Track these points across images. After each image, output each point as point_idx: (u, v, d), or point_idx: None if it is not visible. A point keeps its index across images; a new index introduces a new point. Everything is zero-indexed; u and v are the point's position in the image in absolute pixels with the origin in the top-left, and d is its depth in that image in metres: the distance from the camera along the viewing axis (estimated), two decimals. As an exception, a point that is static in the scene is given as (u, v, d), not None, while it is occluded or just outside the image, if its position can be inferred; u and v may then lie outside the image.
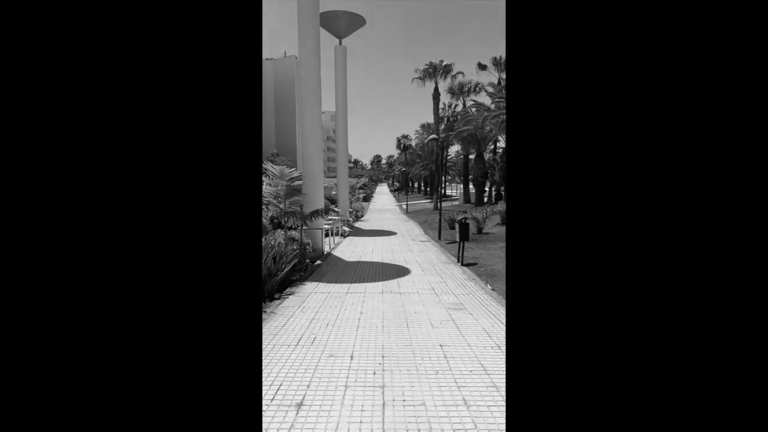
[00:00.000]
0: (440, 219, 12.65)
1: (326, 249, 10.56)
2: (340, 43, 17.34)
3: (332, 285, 6.35)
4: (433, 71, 23.24)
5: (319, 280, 6.76)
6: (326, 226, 10.85)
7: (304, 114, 9.71)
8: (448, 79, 24.49)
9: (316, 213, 8.45)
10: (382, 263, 8.43)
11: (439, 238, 12.47)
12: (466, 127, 20.37)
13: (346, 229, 14.51)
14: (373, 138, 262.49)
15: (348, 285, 6.33)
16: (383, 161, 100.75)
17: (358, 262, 8.55)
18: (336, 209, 17.74)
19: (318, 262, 8.61)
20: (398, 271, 7.46)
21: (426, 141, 11.59)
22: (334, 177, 20.18)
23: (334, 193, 20.12)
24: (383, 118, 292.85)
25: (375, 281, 6.61)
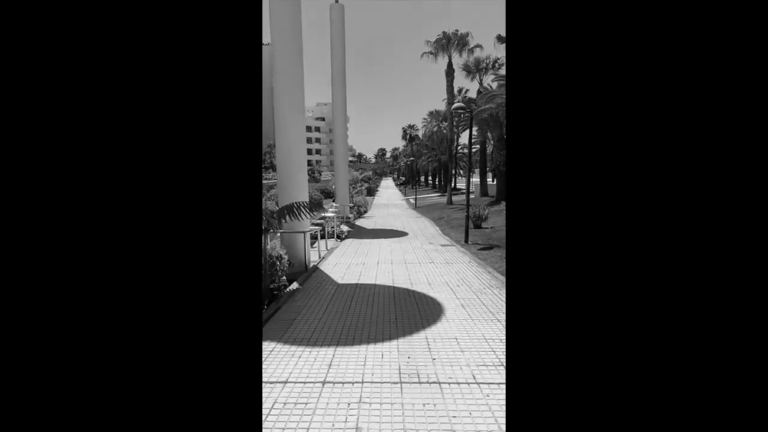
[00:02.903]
0: (467, 217, 9.54)
1: (314, 258, 7.53)
2: (337, 1, 14.17)
3: (299, 352, 3.29)
4: (447, 43, 19.86)
5: (280, 336, 3.69)
6: (313, 228, 7.79)
7: (277, 81, 6.56)
8: (464, 55, 21.21)
9: (289, 210, 5.37)
10: (394, 288, 5.37)
11: (466, 241, 9.39)
12: (487, 105, 17.16)
13: (345, 229, 11.46)
14: (377, 131, 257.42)
15: (331, 352, 3.26)
16: (388, 155, 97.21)
17: (356, 286, 5.49)
18: (333, 204, 14.72)
19: (294, 285, 5.56)
20: (423, 309, 4.40)
21: (452, 109, 8.50)
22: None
23: (334, 187, 17.12)
24: (387, 106, 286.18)
25: (383, 340, 3.53)
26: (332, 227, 10.34)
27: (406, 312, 4.30)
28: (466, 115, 9.55)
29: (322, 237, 9.29)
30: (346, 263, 7.16)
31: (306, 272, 6.50)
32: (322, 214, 10.68)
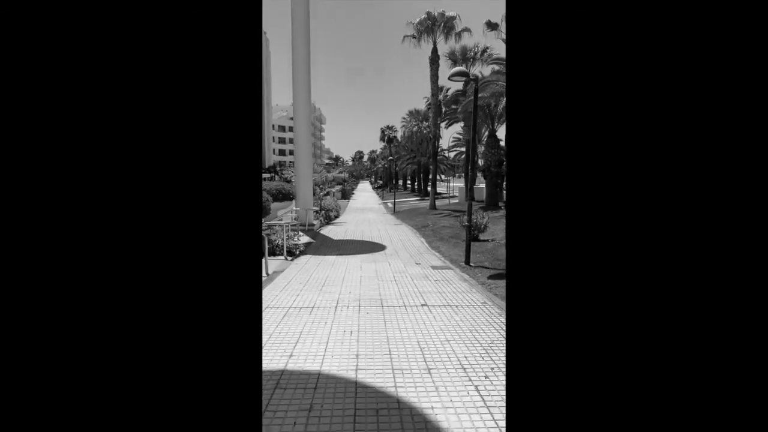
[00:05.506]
0: (468, 228, 6.87)
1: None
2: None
3: None
4: (432, 25, 17.44)
5: None
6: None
7: None
8: (450, 42, 18.86)
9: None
10: (356, 386, 2.60)
11: (467, 262, 6.75)
12: (480, 95, 14.74)
13: (302, 241, 8.59)
14: (355, 134, 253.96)
15: None
16: (365, 157, 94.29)
17: (280, 379, 2.69)
18: (293, 209, 11.79)
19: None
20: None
21: (449, 77, 6.00)
22: (320, 174, 13.95)
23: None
24: (366, 108, 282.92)
25: None
26: (282, 239, 7.47)
27: None
28: (473, 80, 6.95)
29: (269, 253, 6.43)
30: (284, 306, 4.33)
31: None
32: (267, 223, 7.79)
